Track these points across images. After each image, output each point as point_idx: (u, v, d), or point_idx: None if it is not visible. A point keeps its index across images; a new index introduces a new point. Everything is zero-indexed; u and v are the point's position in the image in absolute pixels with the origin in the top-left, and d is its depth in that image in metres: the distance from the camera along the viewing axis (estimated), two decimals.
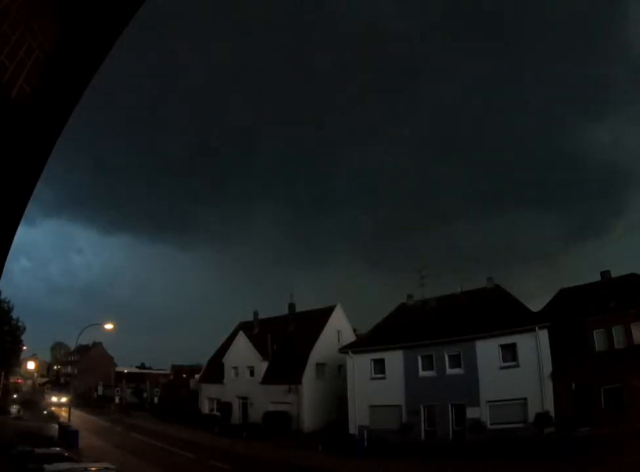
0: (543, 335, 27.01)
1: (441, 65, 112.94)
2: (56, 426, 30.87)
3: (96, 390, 73.74)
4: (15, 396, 60.03)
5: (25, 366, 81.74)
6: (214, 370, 46.95)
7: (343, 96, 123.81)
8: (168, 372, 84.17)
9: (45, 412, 46.85)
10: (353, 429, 32.12)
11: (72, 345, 79.39)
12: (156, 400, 58.03)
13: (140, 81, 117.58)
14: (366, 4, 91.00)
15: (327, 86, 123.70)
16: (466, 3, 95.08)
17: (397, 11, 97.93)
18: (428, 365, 31.02)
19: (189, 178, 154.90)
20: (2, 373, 51.46)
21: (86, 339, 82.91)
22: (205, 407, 47.15)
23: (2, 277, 2.78)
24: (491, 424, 27.34)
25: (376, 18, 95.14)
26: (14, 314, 47.95)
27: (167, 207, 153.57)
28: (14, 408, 45.25)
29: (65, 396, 54.91)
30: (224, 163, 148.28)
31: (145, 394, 68.44)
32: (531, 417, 26.00)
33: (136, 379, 78.91)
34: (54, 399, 54.46)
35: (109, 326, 43.33)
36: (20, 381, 73.70)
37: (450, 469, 21.68)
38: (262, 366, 42.57)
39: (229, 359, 45.64)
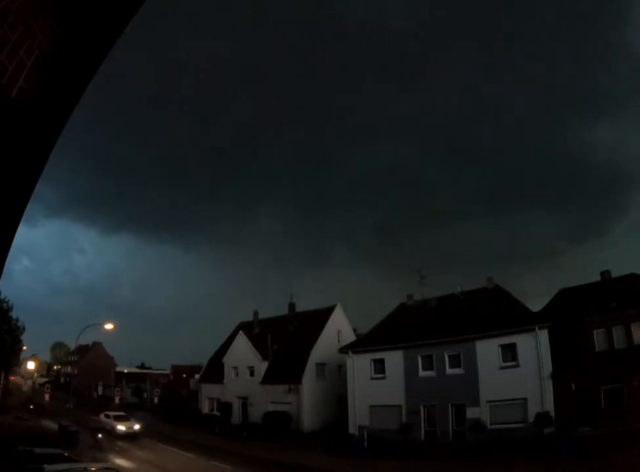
0: (543, 335, 27.03)
1: (444, 65, 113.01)
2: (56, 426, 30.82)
3: (96, 390, 73.72)
4: (31, 406, 46.99)
5: (25, 366, 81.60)
6: (214, 370, 46.97)
7: (348, 95, 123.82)
8: (168, 372, 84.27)
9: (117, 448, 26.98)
10: (353, 429, 32.13)
11: (72, 345, 79.51)
12: (156, 400, 57.73)
13: (142, 80, 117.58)
14: (371, 3, 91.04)
15: (331, 86, 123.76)
16: (468, 3, 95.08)
17: (401, 10, 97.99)
18: (428, 365, 31.05)
19: (191, 178, 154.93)
20: (2, 374, 51.41)
21: (86, 339, 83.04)
22: (205, 407, 47.16)
23: (2, 277, 2.78)
24: (491, 424, 27.35)
25: (380, 17, 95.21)
26: (14, 314, 47.98)
27: (169, 207, 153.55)
28: (42, 421, 35.17)
29: (137, 422, 33.19)
30: (227, 163, 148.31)
31: (145, 394, 68.42)
32: (531, 417, 26.01)
33: (136, 379, 78.98)
34: (122, 428, 31.75)
35: (109, 326, 43.46)
36: (14, 379, 71.52)
37: (450, 469, 21.69)
38: (262, 366, 42.58)
39: (229, 359, 45.65)
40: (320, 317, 43.30)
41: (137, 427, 32.74)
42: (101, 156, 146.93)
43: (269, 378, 41.63)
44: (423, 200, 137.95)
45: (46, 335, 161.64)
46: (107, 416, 34.40)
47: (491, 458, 22.05)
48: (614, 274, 32.70)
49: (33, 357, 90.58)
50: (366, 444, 26.58)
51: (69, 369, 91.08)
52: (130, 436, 31.15)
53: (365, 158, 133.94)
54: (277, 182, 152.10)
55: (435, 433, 29.64)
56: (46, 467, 14.05)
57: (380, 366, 33.26)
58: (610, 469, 17.07)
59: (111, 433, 31.15)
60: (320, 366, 40.27)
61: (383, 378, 32.76)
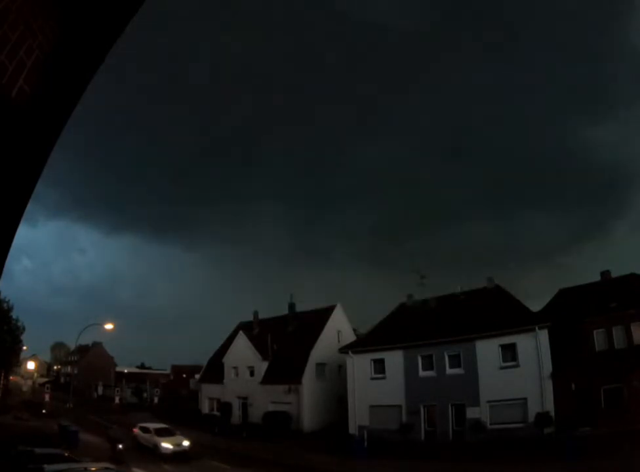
0: (543, 335, 27.04)
1: (445, 64, 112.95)
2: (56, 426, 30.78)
3: (96, 390, 73.75)
4: (44, 411, 42.57)
5: (25, 366, 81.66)
6: (214, 370, 46.98)
7: (349, 94, 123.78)
8: (168, 372, 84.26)
9: None
10: (353, 429, 32.15)
11: (72, 345, 79.54)
12: (156, 400, 57.73)
13: (143, 81, 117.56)
14: (372, 2, 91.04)
15: (331, 86, 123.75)
16: (471, 2, 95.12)
17: (402, 9, 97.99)
18: (428, 365, 31.05)
19: (192, 178, 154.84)
20: (2, 374, 51.39)
21: (86, 339, 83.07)
22: (205, 407, 47.19)
23: (2, 277, 2.78)
24: (491, 424, 27.36)
25: (383, 16, 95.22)
26: (14, 314, 48.01)
27: (169, 207, 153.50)
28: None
29: (185, 438, 26.41)
30: (228, 163, 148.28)
31: (145, 394, 68.46)
32: (531, 417, 26.02)
33: (136, 379, 78.96)
34: (168, 446, 25.05)
35: (109, 326, 43.53)
36: (14, 379, 71.04)
37: (450, 469, 21.70)
38: (262, 366, 42.59)
39: (229, 359, 45.67)
40: (320, 317, 43.31)
41: (186, 443, 25.93)
42: (101, 156, 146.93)
43: (269, 378, 41.64)
44: (424, 200, 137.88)
45: (46, 335, 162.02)
46: (146, 430, 27.38)
47: (491, 458, 22.06)
48: (614, 274, 32.73)
49: (33, 357, 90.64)
50: (366, 444, 26.61)
51: (69, 369, 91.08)
52: (179, 457, 24.57)
53: (365, 158, 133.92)
54: (277, 182, 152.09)
55: (435, 433, 29.64)
56: (46, 467, 14.09)
57: (379, 366, 33.27)
58: (611, 469, 17.06)
59: (155, 452, 24.93)
60: (320, 366, 40.28)
61: (383, 378, 32.76)
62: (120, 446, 23.19)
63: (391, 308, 39.17)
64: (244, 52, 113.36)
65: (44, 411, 43.35)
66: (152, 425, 28.20)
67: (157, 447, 25.20)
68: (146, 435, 26.94)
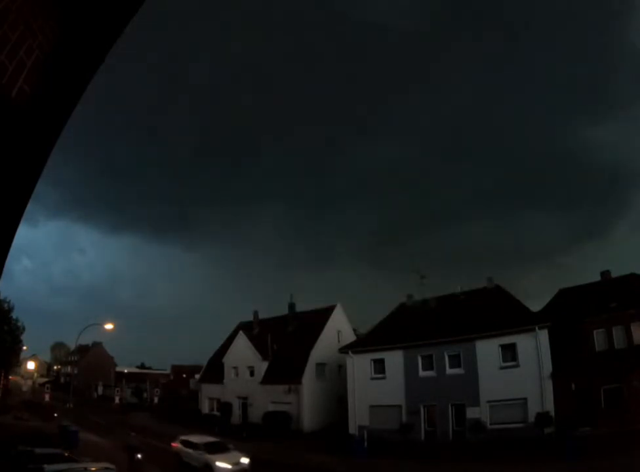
0: (543, 335, 27.04)
1: (446, 64, 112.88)
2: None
3: (96, 390, 73.79)
4: (55, 414, 39.36)
5: (25, 366, 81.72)
6: (214, 370, 46.99)
7: (350, 95, 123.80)
8: (168, 372, 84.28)
9: None
10: (353, 429, 32.14)
11: (72, 345, 79.54)
12: (156, 400, 57.70)
13: (143, 81, 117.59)
14: (373, 3, 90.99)
15: (333, 86, 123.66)
16: (471, 2, 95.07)
17: (407, 9, 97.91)
18: (428, 365, 31.05)
19: (192, 179, 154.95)
20: (2, 374, 51.38)
21: (86, 339, 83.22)
22: (205, 407, 47.19)
23: (2, 277, 2.77)
24: (491, 424, 27.35)
25: (386, 17, 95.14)
26: (14, 315, 47.97)
27: (169, 207, 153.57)
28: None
29: (243, 454, 21.09)
30: (228, 163, 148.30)
31: (145, 394, 68.50)
32: (531, 417, 26.02)
33: (136, 379, 78.99)
34: (225, 466, 19.71)
35: (109, 326, 43.46)
36: (14, 379, 70.59)
37: (450, 469, 21.70)
38: (262, 366, 42.59)
39: (229, 359, 45.67)
40: (320, 317, 43.30)
41: (245, 460, 20.74)
42: (101, 156, 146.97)
43: (269, 378, 41.63)
44: (423, 200, 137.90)
45: (46, 335, 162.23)
46: (191, 445, 21.93)
47: (491, 458, 22.05)
48: (614, 274, 32.72)
49: (33, 357, 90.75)
50: (366, 444, 26.59)
51: (69, 369, 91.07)
52: None
53: (366, 158, 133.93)
54: (278, 182, 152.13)
55: (435, 433, 29.63)
56: (46, 467, 14.10)
57: (379, 366, 33.26)
58: (611, 469, 17.05)
59: None
60: (320, 366, 40.27)
61: (383, 378, 32.75)
62: (140, 455, 20.41)
63: (391, 308, 39.22)
64: (244, 52, 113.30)
65: (55, 415, 40.18)
66: (199, 439, 22.45)
67: (209, 467, 20.15)
68: (192, 452, 21.48)
